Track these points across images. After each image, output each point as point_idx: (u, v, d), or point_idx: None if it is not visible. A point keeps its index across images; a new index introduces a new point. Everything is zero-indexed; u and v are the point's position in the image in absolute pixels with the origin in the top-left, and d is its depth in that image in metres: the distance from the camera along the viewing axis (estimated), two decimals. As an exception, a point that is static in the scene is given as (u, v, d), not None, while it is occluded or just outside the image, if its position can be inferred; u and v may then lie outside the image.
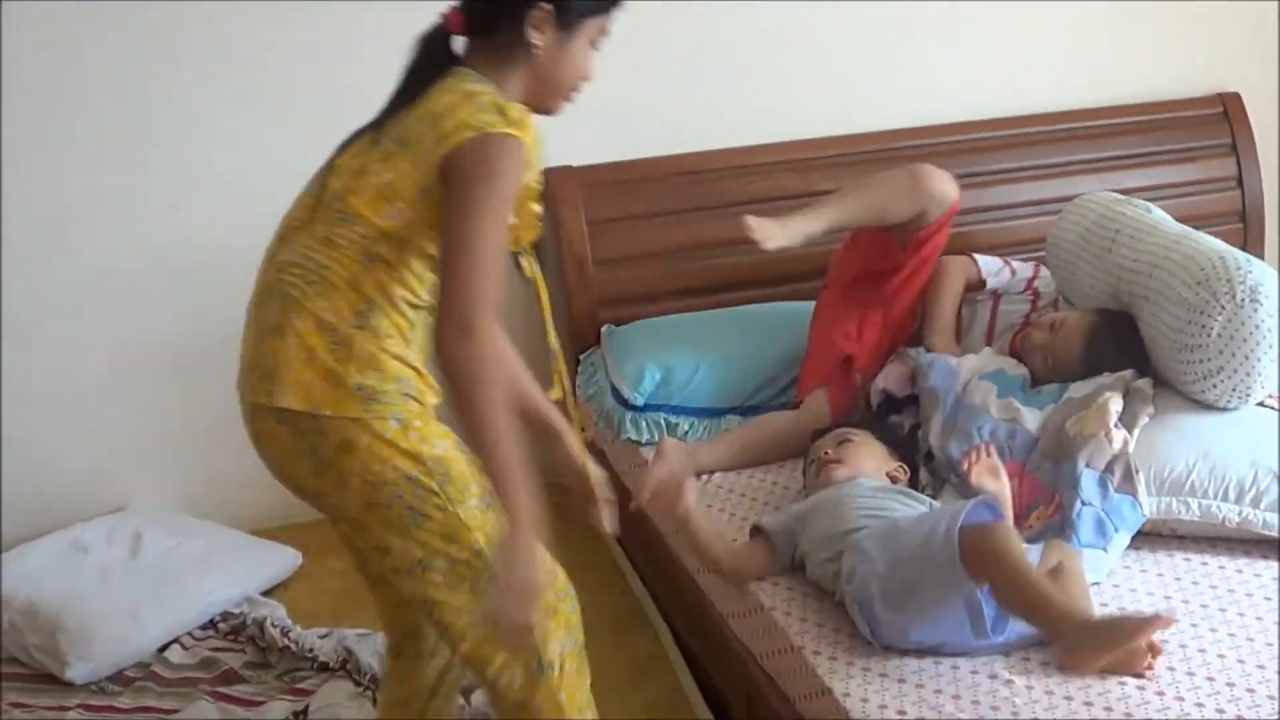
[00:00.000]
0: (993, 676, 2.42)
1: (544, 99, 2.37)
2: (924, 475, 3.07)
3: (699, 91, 4.07)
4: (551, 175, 3.91)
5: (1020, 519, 2.87)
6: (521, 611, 2.15)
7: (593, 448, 3.77)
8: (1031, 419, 3.05)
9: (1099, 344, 3.23)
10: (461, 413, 2.13)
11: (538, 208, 2.40)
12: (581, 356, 3.93)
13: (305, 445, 2.25)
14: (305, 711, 3.11)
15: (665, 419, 3.54)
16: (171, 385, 3.93)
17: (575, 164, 3.96)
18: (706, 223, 3.91)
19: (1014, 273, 3.65)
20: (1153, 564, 2.82)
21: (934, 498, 2.97)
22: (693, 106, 4.07)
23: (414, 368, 2.29)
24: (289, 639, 3.34)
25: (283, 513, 3.79)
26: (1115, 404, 2.95)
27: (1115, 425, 2.90)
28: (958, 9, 4.24)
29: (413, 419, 2.26)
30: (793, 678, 2.60)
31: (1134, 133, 4.35)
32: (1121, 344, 3.22)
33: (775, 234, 3.34)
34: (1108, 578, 2.75)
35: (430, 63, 2.31)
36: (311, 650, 3.30)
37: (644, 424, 3.54)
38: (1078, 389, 3.08)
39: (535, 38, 2.27)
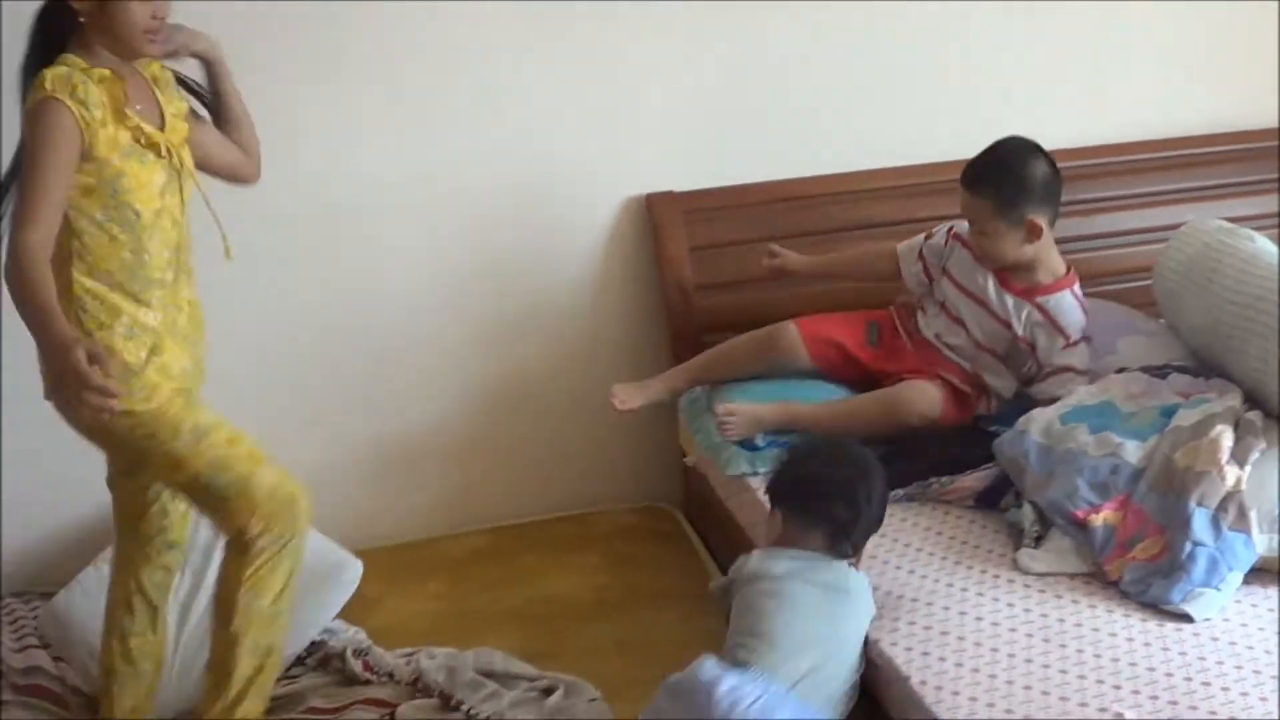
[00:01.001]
0: (1102, 710, 2.42)
1: (127, 50, 2.73)
2: (1029, 512, 3.03)
3: (803, 116, 4.06)
4: (654, 201, 3.96)
5: (1124, 551, 2.86)
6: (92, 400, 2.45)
7: (695, 473, 3.78)
8: (1133, 450, 3.02)
9: (987, 170, 3.41)
10: (12, 290, 2.54)
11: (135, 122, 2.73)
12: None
13: None
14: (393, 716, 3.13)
15: (776, 453, 3.38)
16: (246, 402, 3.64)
17: (678, 189, 3.98)
18: (810, 248, 3.87)
19: (929, 235, 3.65)
20: (1263, 599, 2.77)
21: (1040, 536, 2.97)
22: (796, 131, 4.06)
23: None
24: (370, 667, 3.32)
25: (360, 534, 3.88)
26: (1227, 439, 2.91)
27: (1228, 461, 2.87)
28: (1058, 35, 4.22)
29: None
30: (902, 708, 2.60)
31: (1236, 160, 4.30)
32: (1006, 157, 3.42)
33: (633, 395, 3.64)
34: (1219, 613, 2.72)
35: (37, 59, 2.70)
36: (391, 673, 3.29)
37: (758, 459, 3.42)
38: (1184, 417, 3.05)
39: (76, 5, 2.66)
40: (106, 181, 2.66)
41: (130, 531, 3.04)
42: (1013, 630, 2.69)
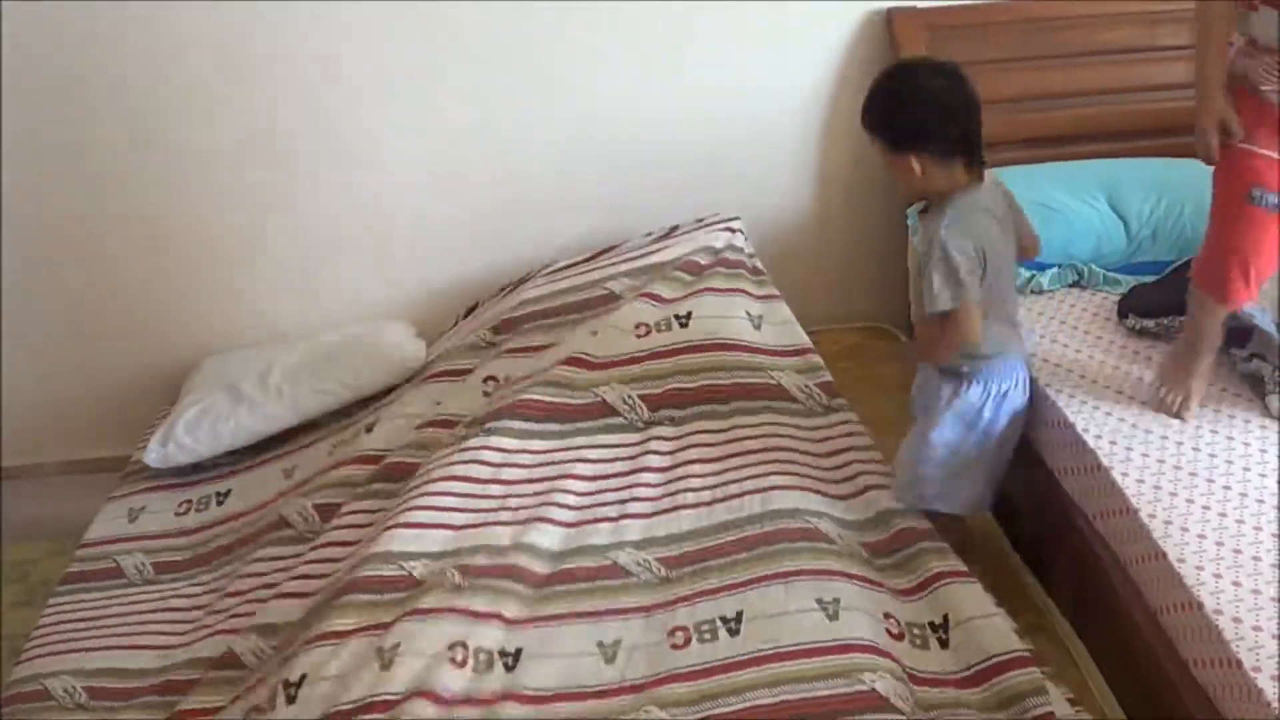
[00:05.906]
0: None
1: None
2: (1268, 366, 2.92)
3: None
4: (896, 17, 3.89)
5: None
6: None
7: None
8: None
9: None
10: None
11: None
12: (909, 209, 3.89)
13: None
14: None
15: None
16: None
17: (920, 5, 3.90)
18: (1051, 72, 3.80)
19: None
20: None
21: None
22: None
23: None
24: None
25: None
26: None
27: None
28: None
29: None
30: (1125, 540, 2.61)
31: None
32: None
33: None
34: None
35: None
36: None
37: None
38: None
39: None
40: None
41: None
42: (1246, 470, 2.67)
